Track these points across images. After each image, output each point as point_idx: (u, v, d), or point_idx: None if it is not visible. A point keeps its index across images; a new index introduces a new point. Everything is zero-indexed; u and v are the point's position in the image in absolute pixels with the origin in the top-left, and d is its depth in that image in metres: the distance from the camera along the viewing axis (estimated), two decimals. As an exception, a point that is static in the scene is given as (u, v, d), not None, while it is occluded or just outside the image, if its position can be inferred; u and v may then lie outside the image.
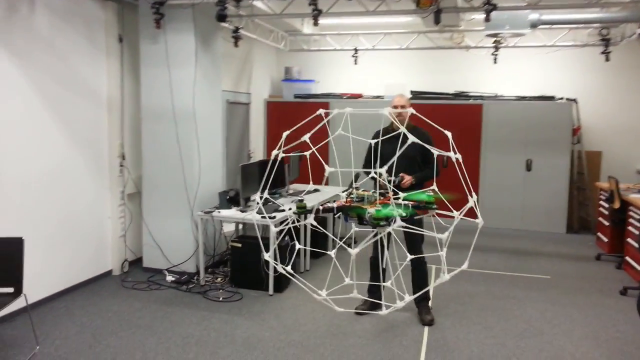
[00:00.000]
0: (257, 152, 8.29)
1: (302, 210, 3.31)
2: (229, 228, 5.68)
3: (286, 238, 5.03)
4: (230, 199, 5.10)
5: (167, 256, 5.22)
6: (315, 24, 4.58)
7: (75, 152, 4.69)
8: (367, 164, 4.36)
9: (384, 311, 3.70)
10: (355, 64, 7.76)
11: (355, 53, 7.70)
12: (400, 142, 4.15)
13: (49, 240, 4.43)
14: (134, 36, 5.23)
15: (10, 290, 3.37)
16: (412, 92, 7.91)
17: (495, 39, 6.81)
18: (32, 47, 4.18)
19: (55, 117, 4.45)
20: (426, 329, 4.11)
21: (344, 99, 8.27)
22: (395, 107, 4.17)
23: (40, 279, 4.31)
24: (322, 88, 8.73)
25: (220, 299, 4.62)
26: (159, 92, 5.12)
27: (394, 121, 4.17)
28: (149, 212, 5.27)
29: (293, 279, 2.95)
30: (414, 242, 4.22)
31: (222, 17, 4.59)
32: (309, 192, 6.04)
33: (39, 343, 3.68)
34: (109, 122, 5.09)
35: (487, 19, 4.33)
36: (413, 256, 4.22)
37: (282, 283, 4.83)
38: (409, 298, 3.59)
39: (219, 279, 5.03)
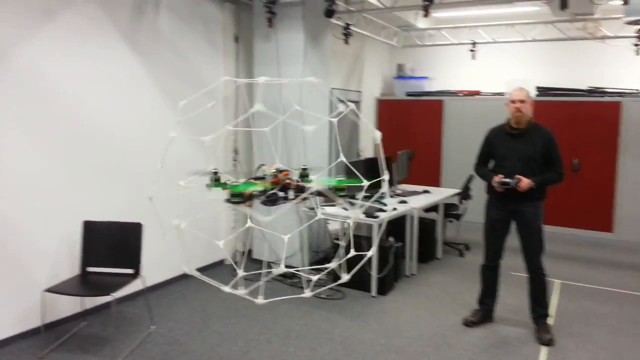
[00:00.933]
0: (367, 151, 8.21)
1: (237, 199, 2.17)
2: (335, 225, 5.67)
3: (390, 239, 4.88)
4: (335, 197, 5.08)
5: (274, 250, 5.35)
6: (426, 15, 4.36)
7: (193, 146, 4.98)
8: (481, 163, 4.05)
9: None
10: (473, 58, 7.33)
11: (473, 47, 7.27)
12: (519, 140, 3.80)
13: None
14: (249, 35, 5.43)
15: (131, 271, 3.65)
16: (537, 88, 7.27)
17: (638, 27, 5.99)
18: (156, 47, 4.51)
19: (176, 112, 4.76)
20: (543, 349, 3.70)
21: (459, 97, 7.86)
22: (513, 101, 3.77)
23: (158, 262, 4.63)
24: (436, 85, 8.39)
25: (324, 296, 4.61)
26: (271, 89, 5.25)
27: (511, 117, 3.81)
28: (259, 206, 5.42)
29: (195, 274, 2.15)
30: (532, 251, 3.83)
31: (330, 13, 4.57)
32: (416, 193, 5.82)
33: (155, 323, 3.95)
34: (224, 119, 5.34)
35: (626, 2, 3.78)
36: (529, 266, 3.89)
37: (386, 285, 4.69)
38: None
39: (323, 276, 5.02)
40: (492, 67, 7.99)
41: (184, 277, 4.99)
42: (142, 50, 4.37)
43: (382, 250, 4.66)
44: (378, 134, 2.17)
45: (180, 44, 4.77)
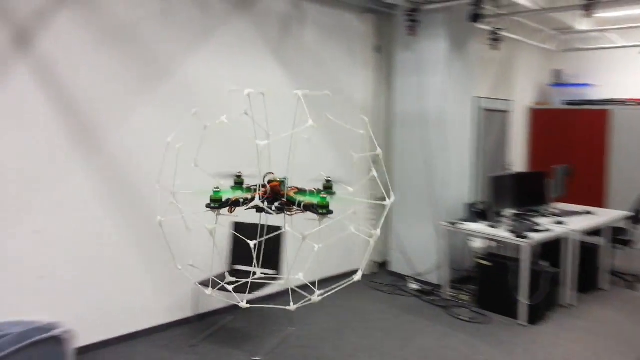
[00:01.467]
0: (517, 164, 7.61)
1: (215, 205, 1.95)
2: (477, 243, 5.32)
3: (544, 263, 4.41)
4: (478, 213, 4.76)
5: (411, 264, 5.20)
6: (588, 15, 3.87)
7: (336, 155, 5.08)
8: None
9: None
10: (648, 62, 6.40)
11: (649, 49, 6.35)
12: None
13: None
14: (389, 45, 5.41)
15: (273, 273, 3.81)
16: None
17: None
18: (301, 60, 4.71)
19: (322, 123, 4.89)
20: None
21: (630, 106, 6.91)
22: None
23: (298, 267, 4.78)
24: (600, 93, 7.49)
25: (466, 318, 4.32)
26: (411, 99, 5.16)
27: None
28: (397, 218, 5.34)
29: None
30: None
31: (475, 17, 4.33)
32: (576, 214, 5.20)
33: (293, 325, 4.06)
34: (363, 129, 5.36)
35: None
36: None
37: (537, 314, 4.23)
38: None
39: (465, 297, 4.73)
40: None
41: (321, 282, 5.07)
42: (288, 64, 4.59)
43: (534, 275, 4.22)
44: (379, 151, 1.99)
45: (322, 56, 4.92)
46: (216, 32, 4.04)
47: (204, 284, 3.60)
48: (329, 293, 1.85)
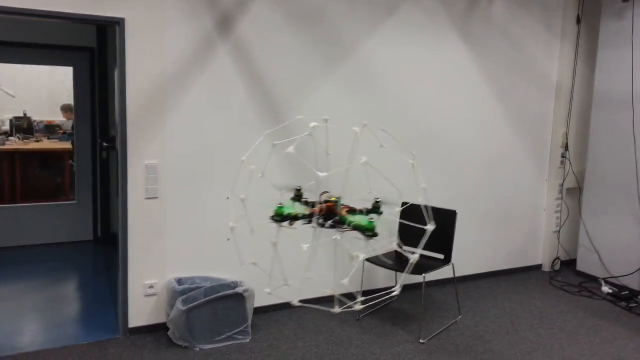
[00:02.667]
0: None
1: (277, 218, 2.16)
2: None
3: None
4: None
5: (605, 264, 4.53)
6: None
7: (518, 137, 4.68)
8: None
9: None
10: None
11: None
12: None
13: (482, 220, 4.60)
14: (593, 16, 4.73)
15: (441, 256, 3.67)
16: None
17: None
18: (487, 36, 4.39)
19: (503, 102, 4.55)
20: None
21: None
22: None
23: (469, 254, 4.54)
24: None
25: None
26: (618, 75, 4.45)
27: None
28: (589, 211, 4.69)
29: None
30: None
31: None
32: None
33: (461, 313, 3.87)
34: (555, 109, 4.83)
35: None
36: None
37: None
38: None
39: (673, 306, 3.96)
40: None
41: (494, 274, 4.76)
42: (474, 41, 4.33)
43: None
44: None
45: (513, 31, 4.53)
46: (400, 9, 4.00)
47: (372, 260, 3.66)
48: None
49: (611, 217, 4.49)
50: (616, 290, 4.30)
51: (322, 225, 2.11)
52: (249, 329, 3.34)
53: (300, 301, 2.08)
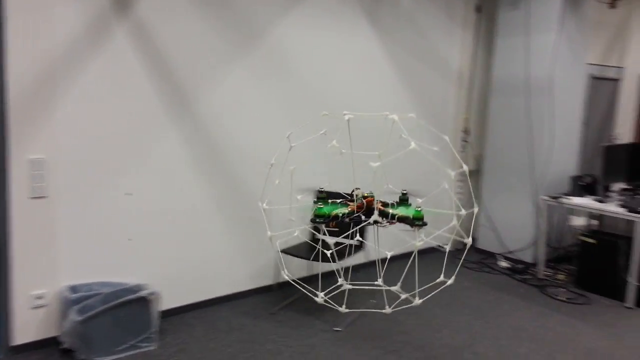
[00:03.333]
0: (624, 136, 6.86)
1: (320, 220, 2.12)
2: (577, 220, 4.85)
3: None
4: (584, 186, 4.30)
5: (502, 241, 4.85)
6: None
7: (424, 123, 4.81)
8: None
9: None
10: None
11: None
12: None
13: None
14: (492, 6, 4.96)
15: (356, 242, 3.67)
16: None
17: None
18: (396, 24, 4.43)
19: (410, 89, 4.64)
20: None
21: None
22: None
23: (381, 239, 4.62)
24: None
25: (563, 298, 3.96)
26: (513, 63, 4.72)
27: None
28: (488, 193, 4.98)
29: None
30: None
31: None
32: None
33: (375, 298, 3.92)
34: (456, 96, 5.02)
35: None
36: None
37: (648, 297, 3.78)
38: None
39: (562, 276, 4.34)
40: None
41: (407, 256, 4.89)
42: (383, 27, 4.34)
43: (647, 254, 3.76)
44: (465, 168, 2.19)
45: (419, 19, 4.60)
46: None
47: (287, 251, 3.58)
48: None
49: (508, 197, 4.80)
50: (512, 264, 4.62)
51: (376, 223, 2.11)
52: (156, 335, 3.11)
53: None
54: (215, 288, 3.75)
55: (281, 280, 4.01)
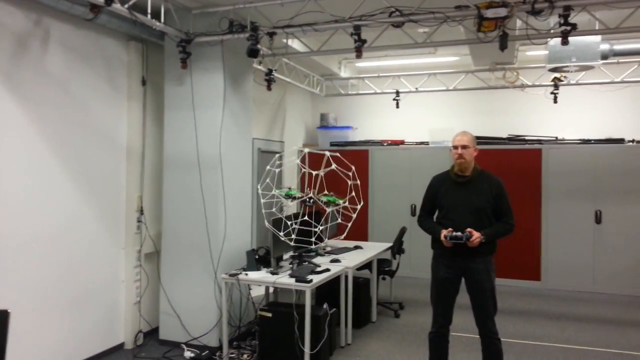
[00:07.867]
0: (292, 205, 7.64)
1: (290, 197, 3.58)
2: (258, 292, 4.95)
3: (324, 305, 4.25)
4: (259, 259, 4.40)
5: (186, 327, 4.50)
6: (358, 56, 3.97)
7: (89, 204, 4.14)
8: (425, 214, 3.60)
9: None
10: (397, 107, 7.13)
11: (397, 96, 7.09)
12: (466, 189, 3.43)
13: (51, 309, 3.78)
14: (158, 78, 4.78)
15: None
16: (460, 137, 7.19)
17: (554, 75, 6.12)
18: (43, 89, 3.73)
19: (67, 167, 3.93)
20: None
21: (384, 146, 7.63)
22: (456, 147, 3.42)
23: (34, 355, 3.64)
24: (360, 135, 8.14)
25: (247, 381, 3.83)
26: (183, 138, 4.59)
27: (455, 164, 3.47)
28: (168, 276, 4.60)
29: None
30: (485, 313, 3.39)
31: (253, 53, 4.08)
32: (347, 250, 5.29)
33: None
34: (127, 172, 4.55)
35: (565, 42, 3.63)
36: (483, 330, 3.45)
37: (320, 361, 4.00)
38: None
39: (245, 356, 4.24)
40: (416, 116, 7.90)
41: (72, 369, 3.98)
42: (24, 93, 3.56)
43: (316, 320, 4.00)
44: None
45: (74, 86, 4.00)
46: None
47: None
48: None
49: (188, 277, 4.52)
50: (198, 352, 4.31)
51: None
52: None
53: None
54: None
55: None
